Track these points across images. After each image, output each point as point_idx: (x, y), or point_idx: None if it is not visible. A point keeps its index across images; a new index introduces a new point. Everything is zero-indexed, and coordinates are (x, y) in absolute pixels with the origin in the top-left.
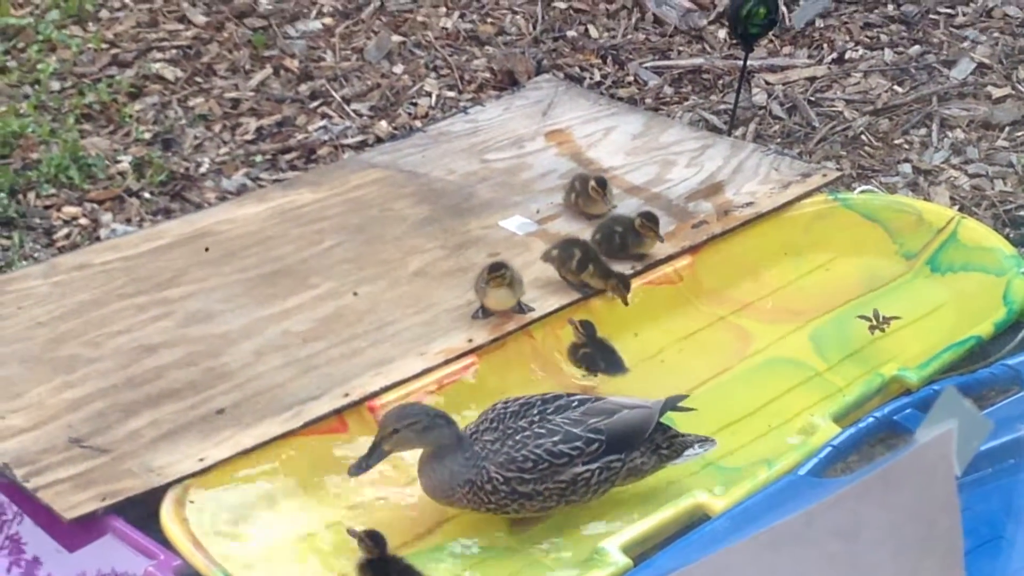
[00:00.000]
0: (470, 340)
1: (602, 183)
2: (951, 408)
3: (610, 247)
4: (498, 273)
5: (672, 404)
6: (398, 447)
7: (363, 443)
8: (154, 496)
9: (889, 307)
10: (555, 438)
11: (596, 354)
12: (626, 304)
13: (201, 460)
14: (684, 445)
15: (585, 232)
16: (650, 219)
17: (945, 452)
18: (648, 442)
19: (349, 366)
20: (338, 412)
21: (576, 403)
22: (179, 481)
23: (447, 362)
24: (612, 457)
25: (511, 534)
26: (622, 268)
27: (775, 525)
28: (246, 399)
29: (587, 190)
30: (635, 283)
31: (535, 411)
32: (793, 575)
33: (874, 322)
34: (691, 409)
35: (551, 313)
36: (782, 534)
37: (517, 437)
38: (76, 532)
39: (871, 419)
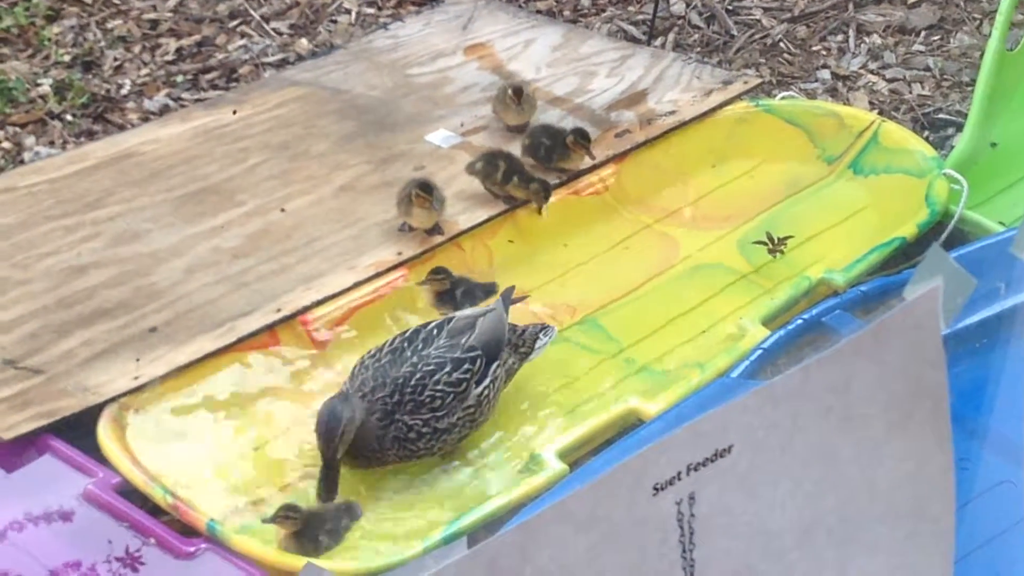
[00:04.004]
0: (399, 253)
1: (517, 91)
2: (937, 266)
3: (535, 156)
4: (426, 194)
5: (508, 300)
6: (347, 444)
7: (296, 358)
8: (90, 415)
9: (812, 211)
10: (446, 369)
11: (468, 288)
12: (540, 213)
13: (136, 378)
14: (532, 337)
15: (509, 144)
16: (583, 136)
17: (931, 308)
18: (508, 343)
19: (280, 281)
20: (270, 327)
21: (435, 330)
22: (115, 399)
23: (377, 275)
24: (494, 366)
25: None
26: (548, 178)
27: (774, 380)
28: (178, 317)
29: (504, 98)
30: (561, 193)
31: (408, 352)
32: (792, 427)
33: (771, 245)
34: (524, 297)
35: (479, 224)
36: (781, 388)
37: (411, 383)
38: (13, 453)
39: (799, 321)
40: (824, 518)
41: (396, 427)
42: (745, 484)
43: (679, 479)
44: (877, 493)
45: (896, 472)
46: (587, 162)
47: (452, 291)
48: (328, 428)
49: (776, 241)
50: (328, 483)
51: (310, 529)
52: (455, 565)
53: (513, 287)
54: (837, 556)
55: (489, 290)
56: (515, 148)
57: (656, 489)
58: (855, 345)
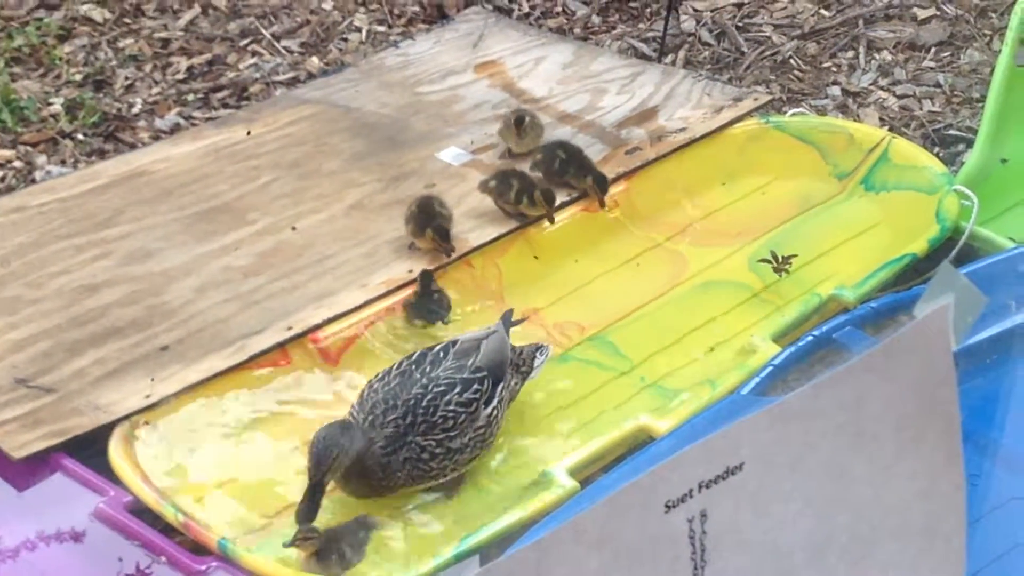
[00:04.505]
0: (410, 271)
1: (517, 122)
2: (948, 284)
3: (548, 169)
4: (443, 241)
5: (508, 322)
6: (335, 475)
7: (306, 375)
8: (102, 434)
9: (823, 228)
10: (456, 389)
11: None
12: (551, 222)
13: (147, 396)
14: (530, 357)
15: (519, 163)
16: (600, 182)
17: (942, 326)
18: (510, 364)
19: (291, 300)
20: (281, 345)
21: (441, 352)
22: (126, 418)
23: (388, 293)
24: (500, 387)
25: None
26: (559, 194)
27: (785, 398)
28: (190, 335)
29: (510, 124)
30: (571, 210)
31: (417, 375)
32: (804, 444)
33: (775, 263)
34: (523, 320)
35: (490, 242)
36: (792, 406)
37: (423, 404)
38: (25, 472)
39: (810, 337)
40: (836, 535)
41: (408, 448)
42: (756, 501)
43: (691, 496)
44: (889, 510)
45: (907, 489)
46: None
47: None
48: (321, 451)
49: (781, 260)
50: (310, 505)
51: (331, 546)
52: None
53: (512, 310)
54: (849, 573)
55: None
56: (524, 167)
57: (668, 507)
58: (866, 363)
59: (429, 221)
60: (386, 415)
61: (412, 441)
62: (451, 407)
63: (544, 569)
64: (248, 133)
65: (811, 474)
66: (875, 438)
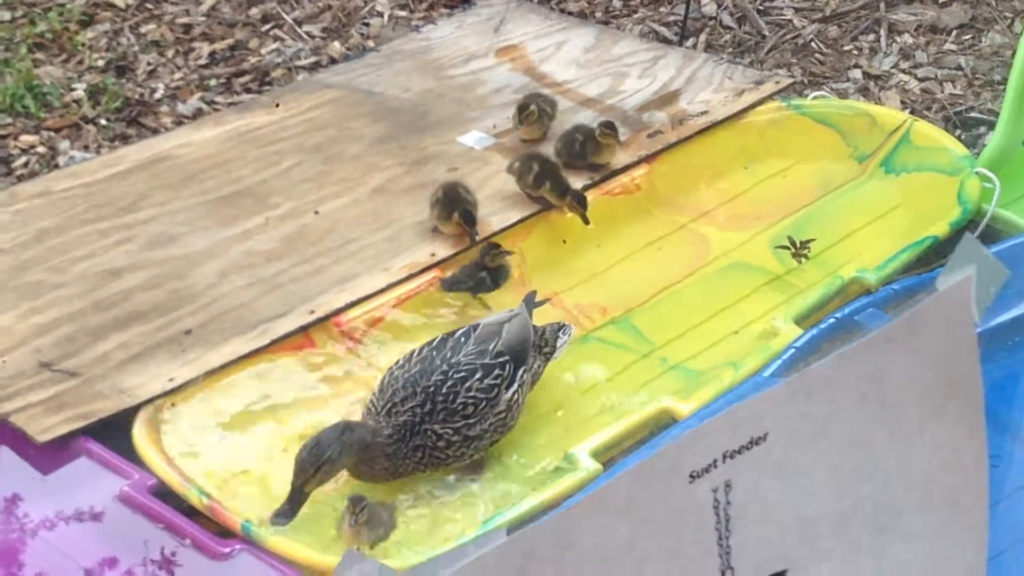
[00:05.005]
0: (432, 254)
1: (522, 107)
2: (970, 255)
3: (570, 155)
4: (469, 226)
5: (531, 303)
6: (322, 483)
7: (330, 359)
8: (126, 417)
9: (845, 210)
10: (477, 375)
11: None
12: (586, 223)
13: (171, 380)
14: (553, 337)
15: (543, 146)
16: (609, 127)
17: (964, 298)
18: (533, 346)
19: (314, 283)
20: (304, 329)
21: (462, 338)
22: (150, 401)
23: (411, 276)
24: (521, 371)
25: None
26: (581, 178)
27: (808, 369)
28: (212, 319)
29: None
30: (594, 193)
31: (438, 361)
32: (827, 416)
33: (794, 249)
34: (546, 301)
35: (512, 225)
36: (815, 378)
37: (443, 391)
38: (50, 455)
39: (832, 320)
40: (859, 506)
41: (422, 436)
42: (780, 472)
43: (715, 467)
44: (912, 481)
45: (931, 461)
46: (619, 158)
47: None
48: (306, 458)
49: (799, 245)
50: (290, 506)
51: (377, 513)
52: (496, 551)
53: (535, 291)
54: (873, 543)
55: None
56: (547, 149)
57: (692, 477)
58: (889, 334)
59: (455, 206)
60: (404, 402)
61: (428, 429)
62: (471, 394)
63: (570, 538)
64: (276, 106)
65: (834, 445)
66: (898, 410)
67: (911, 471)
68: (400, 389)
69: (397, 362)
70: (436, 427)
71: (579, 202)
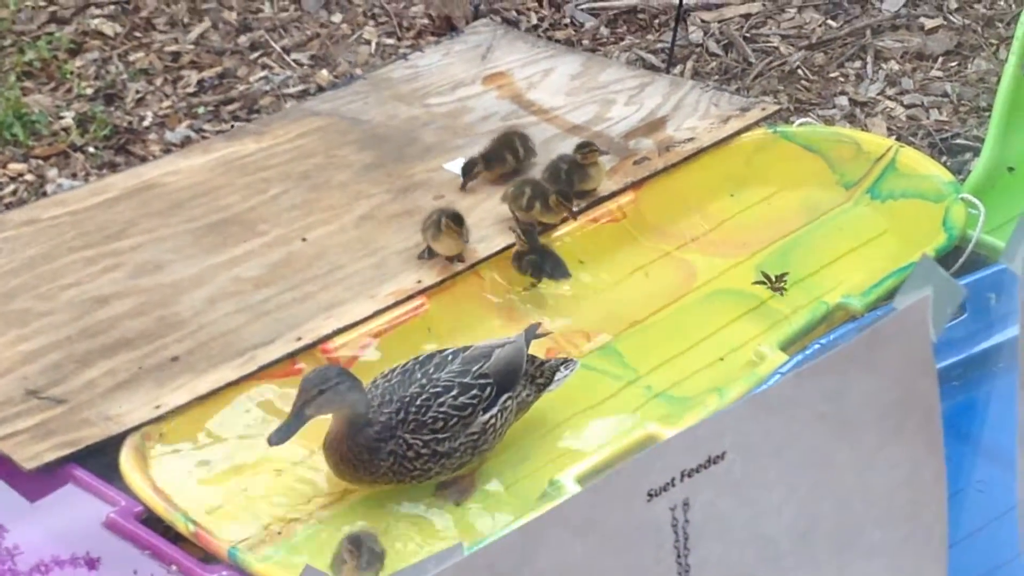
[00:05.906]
0: (419, 281)
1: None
2: (927, 276)
3: (556, 183)
4: (457, 225)
5: (532, 334)
6: (321, 410)
7: None
8: (113, 444)
9: (830, 236)
10: (453, 393)
11: (540, 260)
12: (574, 218)
13: (157, 407)
14: (553, 370)
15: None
16: (586, 146)
17: (922, 318)
18: (525, 375)
19: (301, 310)
20: (291, 356)
21: (450, 356)
22: (137, 428)
23: (397, 304)
24: (504, 397)
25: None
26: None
27: (767, 388)
28: (200, 346)
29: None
30: (580, 221)
31: (419, 375)
32: (786, 433)
33: (770, 284)
34: (547, 333)
35: (498, 253)
36: (775, 396)
37: (417, 403)
38: (37, 482)
39: (817, 345)
40: (820, 523)
41: (395, 442)
42: (740, 490)
43: (673, 485)
44: (872, 498)
45: (890, 477)
46: (605, 185)
47: (529, 253)
48: (312, 379)
49: (775, 279)
50: (287, 426)
51: (364, 550)
52: (454, 568)
53: (538, 323)
54: (833, 560)
55: (556, 266)
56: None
57: (651, 495)
58: (848, 353)
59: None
60: (381, 408)
61: (401, 436)
62: (443, 409)
63: (529, 554)
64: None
65: (794, 463)
66: (857, 427)
67: (871, 488)
68: (378, 396)
69: (383, 372)
70: (407, 436)
71: (565, 198)
